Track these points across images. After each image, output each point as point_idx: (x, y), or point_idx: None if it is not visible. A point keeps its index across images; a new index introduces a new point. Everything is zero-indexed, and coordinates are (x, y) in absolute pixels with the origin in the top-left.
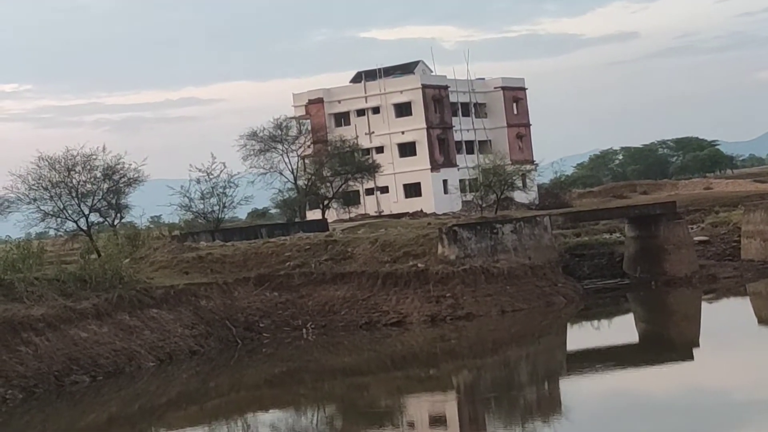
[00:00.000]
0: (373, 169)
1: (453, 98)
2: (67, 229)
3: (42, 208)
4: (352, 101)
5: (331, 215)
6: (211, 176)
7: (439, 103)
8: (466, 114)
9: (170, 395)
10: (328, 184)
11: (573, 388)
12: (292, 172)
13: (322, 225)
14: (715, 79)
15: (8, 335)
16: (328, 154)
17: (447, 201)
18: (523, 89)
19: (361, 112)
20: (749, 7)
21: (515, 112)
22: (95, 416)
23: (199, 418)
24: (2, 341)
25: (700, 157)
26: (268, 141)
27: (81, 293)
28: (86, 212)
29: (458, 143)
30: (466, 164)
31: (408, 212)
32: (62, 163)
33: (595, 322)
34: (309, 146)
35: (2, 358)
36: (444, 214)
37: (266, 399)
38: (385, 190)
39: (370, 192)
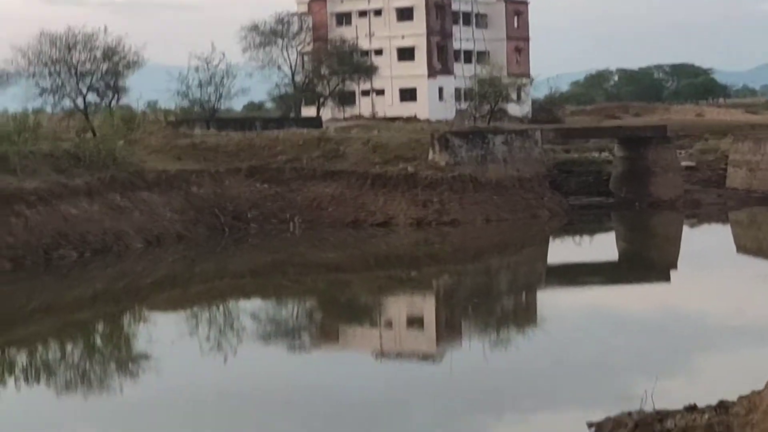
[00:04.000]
0: (370, 71)
1: (455, 6)
2: (64, 107)
3: (40, 83)
4: (355, 2)
5: (326, 114)
6: (209, 65)
7: (441, 10)
8: (466, 23)
9: (155, 277)
10: (325, 83)
11: (550, 300)
12: (291, 68)
13: (316, 122)
14: (717, 7)
15: (0, 206)
16: (327, 52)
17: (441, 108)
18: (526, 3)
19: (363, 14)
20: None
21: (516, 25)
22: (81, 291)
23: (182, 301)
24: None
25: (695, 83)
26: (269, 35)
27: (74, 170)
28: (84, 91)
29: (457, 52)
30: (463, 73)
31: (402, 116)
32: (63, 41)
33: (577, 238)
34: (309, 43)
35: None
36: (437, 120)
37: (249, 288)
38: (381, 92)
39: (366, 93)
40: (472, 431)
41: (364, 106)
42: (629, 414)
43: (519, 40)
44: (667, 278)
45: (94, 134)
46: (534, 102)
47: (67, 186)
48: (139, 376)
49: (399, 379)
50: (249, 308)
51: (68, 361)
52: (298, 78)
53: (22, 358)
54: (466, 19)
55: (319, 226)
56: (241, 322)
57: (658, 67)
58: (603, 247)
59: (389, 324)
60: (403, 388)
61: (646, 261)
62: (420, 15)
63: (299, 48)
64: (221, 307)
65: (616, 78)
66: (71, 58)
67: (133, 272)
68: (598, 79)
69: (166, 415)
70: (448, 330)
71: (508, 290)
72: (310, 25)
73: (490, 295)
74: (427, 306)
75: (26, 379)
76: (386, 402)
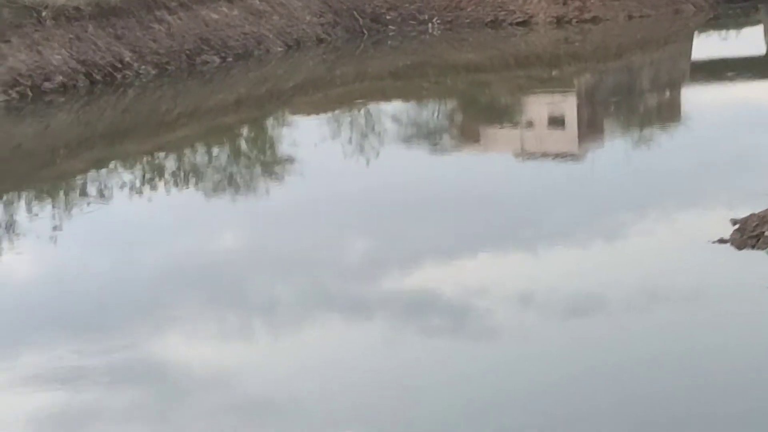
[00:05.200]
0: None
1: None
2: None
3: None
4: None
5: None
6: None
7: None
8: None
9: (296, 80)
10: None
11: (694, 96)
12: None
13: None
14: None
15: (142, 12)
16: None
17: None
18: None
19: None
20: None
21: None
22: (224, 96)
23: (324, 104)
24: (136, 18)
25: None
26: None
27: None
28: None
29: None
30: None
31: None
32: None
33: (723, 33)
34: None
35: (136, 34)
36: None
37: (389, 90)
38: None
39: None
40: (616, 227)
41: None
42: None
43: None
44: None
45: None
46: None
47: None
48: (284, 179)
49: (541, 178)
50: (390, 111)
51: (215, 165)
52: None
53: (170, 163)
54: None
55: (458, 26)
56: (382, 125)
57: None
58: (750, 41)
59: (530, 124)
60: (546, 186)
61: None
62: None
63: None
64: (362, 110)
65: None
66: None
67: (275, 76)
68: None
69: (312, 216)
70: (591, 128)
71: (651, 88)
72: None
73: (633, 93)
74: (568, 105)
75: (175, 183)
76: (528, 200)
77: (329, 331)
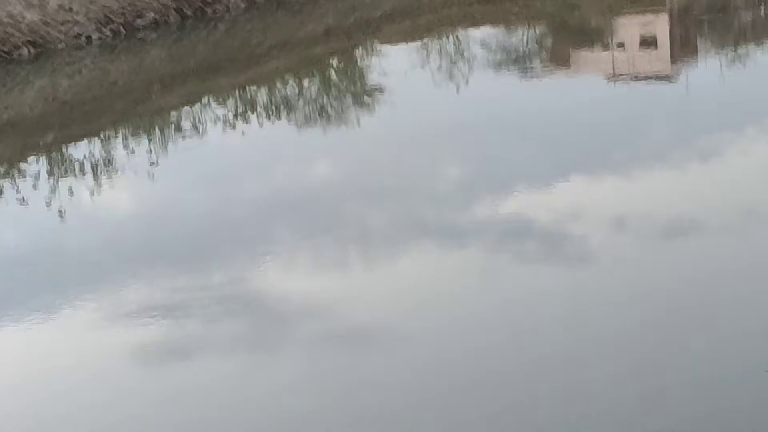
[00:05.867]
0: None
1: None
2: None
3: None
4: None
5: None
6: None
7: None
8: None
9: (384, 9)
10: None
11: None
12: None
13: None
14: None
15: None
16: None
17: None
18: None
19: None
20: None
21: None
22: (313, 27)
23: (413, 31)
24: None
25: None
26: None
27: None
28: None
29: None
30: None
31: None
32: None
33: None
34: None
35: None
36: None
37: (477, 15)
38: None
39: None
40: (712, 148)
41: None
42: None
43: None
44: None
45: None
46: None
47: None
48: (375, 108)
49: (634, 100)
50: (478, 36)
51: (306, 97)
52: None
53: (262, 96)
54: None
55: None
56: (471, 51)
57: None
58: None
59: (621, 45)
60: (639, 108)
61: None
62: None
63: None
64: (450, 37)
65: None
66: None
67: (363, 5)
68: None
69: (404, 145)
70: (684, 48)
71: (746, 4)
72: None
73: (727, 10)
74: (660, 24)
75: (267, 116)
76: (622, 121)
77: (425, 259)
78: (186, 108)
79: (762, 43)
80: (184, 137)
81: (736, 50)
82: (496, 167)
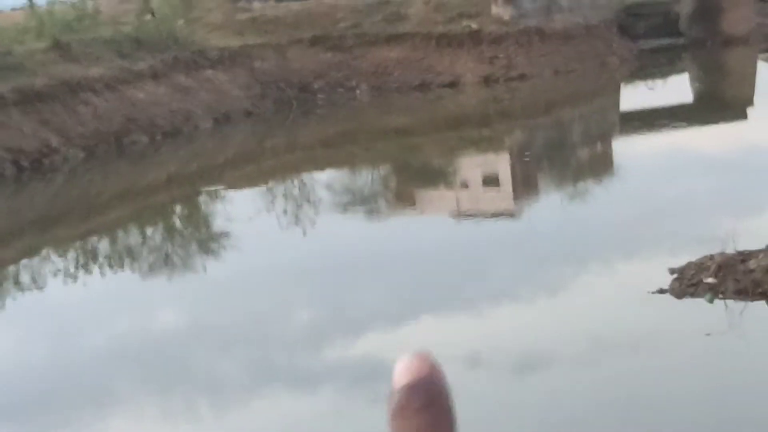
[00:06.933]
0: None
1: None
2: None
3: None
4: None
5: None
6: None
7: None
8: None
9: (227, 155)
10: None
11: (626, 147)
12: None
13: None
14: None
15: (67, 96)
16: None
17: None
18: None
19: None
20: None
21: None
22: (155, 175)
23: (257, 177)
24: (61, 102)
25: None
26: None
27: (137, 54)
28: None
29: None
30: None
31: None
32: None
33: (650, 82)
34: None
35: (62, 118)
36: None
37: (321, 159)
38: None
39: None
40: (557, 282)
41: None
42: (711, 257)
43: None
44: (744, 116)
45: (153, 15)
46: None
47: (132, 71)
48: (221, 254)
49: (479, 237)
50: (323, 179)
51: (149, 245)
52: None
53: (104, 245)
54: None
55: (386, 91)
56: (316, 194)
57: None
58: (677, 89)
59: (465, 184)
60: (484, 245)
61: (722, 100)
62: None
63: None
64: (295, 181)
65: None
66: None
67: (205, 152)
68: None
69: (252, 290)
70: (525, 185)
71: (583, 141)
72: None
73: (565, 148)
74: (501, 163)
75: (110, 265)
76: (468, 260)
77: (277, 405)
78: (24, 261)
79: (599, 177)
80: (22, 291)
81: (575, 186)
82: (346, 309)
